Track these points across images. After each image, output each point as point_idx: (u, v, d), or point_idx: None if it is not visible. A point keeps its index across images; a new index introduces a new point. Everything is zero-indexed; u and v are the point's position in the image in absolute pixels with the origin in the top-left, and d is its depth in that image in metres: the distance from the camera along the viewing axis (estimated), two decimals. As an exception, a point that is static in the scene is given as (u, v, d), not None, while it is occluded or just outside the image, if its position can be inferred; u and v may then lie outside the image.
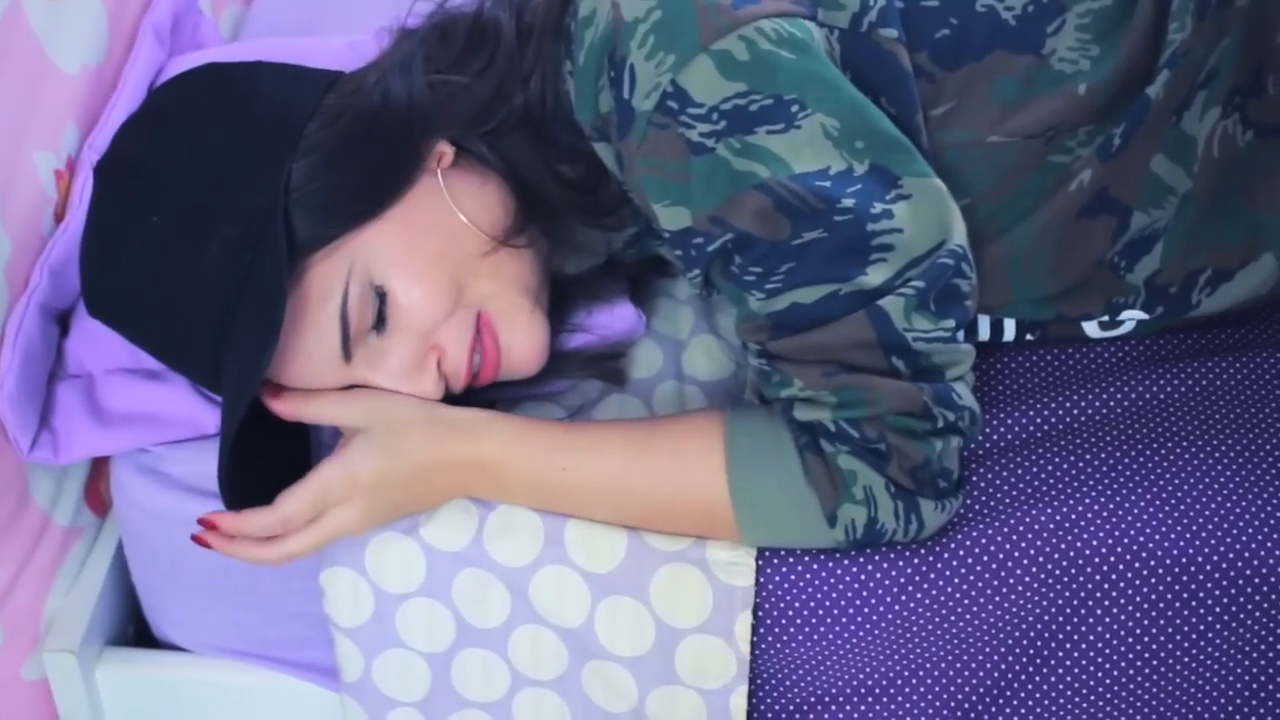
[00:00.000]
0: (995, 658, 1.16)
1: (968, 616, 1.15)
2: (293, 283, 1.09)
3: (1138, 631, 1.15)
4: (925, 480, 1.10)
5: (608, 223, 1.20)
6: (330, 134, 1.11)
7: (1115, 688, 1.16)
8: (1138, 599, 1.14)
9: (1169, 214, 1.14)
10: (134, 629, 1.42)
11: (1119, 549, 1.13)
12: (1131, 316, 1.20)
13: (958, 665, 1.17)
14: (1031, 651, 1.16)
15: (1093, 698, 1.17)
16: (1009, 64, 1.12)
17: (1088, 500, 1.14)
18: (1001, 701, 1.18)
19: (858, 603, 1.16)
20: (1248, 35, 1.11)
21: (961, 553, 1.14)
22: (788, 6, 1.06)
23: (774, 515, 1.13)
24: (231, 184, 1.09)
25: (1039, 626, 1.15)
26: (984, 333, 1.23)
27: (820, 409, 1.10)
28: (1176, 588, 1.13)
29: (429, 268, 1.12)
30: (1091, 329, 1.23)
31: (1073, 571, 1.13)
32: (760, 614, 1.18)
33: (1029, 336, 1.23)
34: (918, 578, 1.14)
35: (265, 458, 1.18)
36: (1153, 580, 1.13)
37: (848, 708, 1.21)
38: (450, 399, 1.19)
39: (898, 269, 1.06)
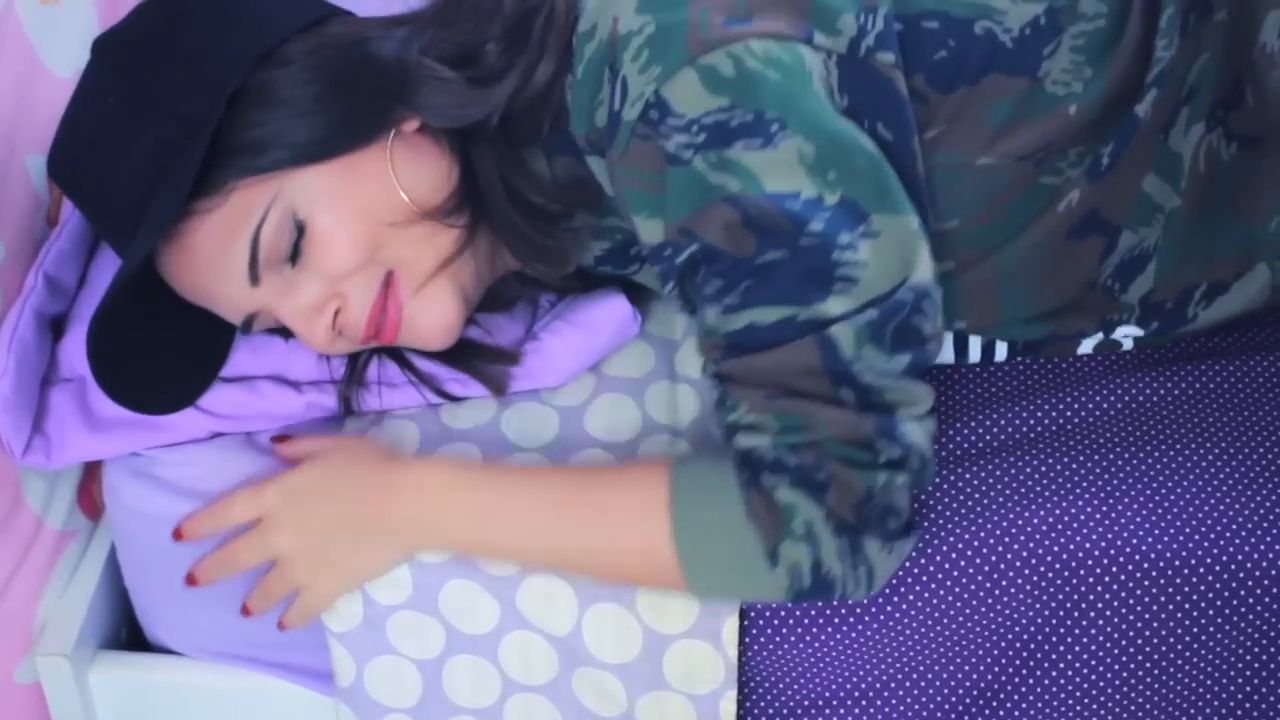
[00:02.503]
0: (988, 660, 1.16)
1: (959, 619, 1.15)
2: (217, 198, 1.11)
3: (1130, 634, 1.15)
4: (870, 516, 1.07)
5: (545, 258, 1.21)
6: (301, 69, 1.12)
7: (1109, 690, 1.16)
8: (1130, 601, 1.14)
9: (1157, 231, 1.14)
10: (127, 632, 1.42)
11: (1111, 551, 1.13)
12: (1127, 333, 1.20)
13: (950, 669, 1.17)
14: (1025, 654, 1.16)
15: (1086, 700, 1.17)
16: (1003, 87, 1.11)
17: (1080, 502, 1.14)
18: (995, 705, 1.18)
19: (846, 606, 1.16)
20: (1226, 49, 1.11)
21: (954, 555, 1.14)
22: (782, 29, 1.05)
23: (716, 552, 1.09)
24: (186, 83, 1.11)
25: (1031, 629, 1.15)
26: (975, 354, 1.23)
27: (761, 435, 1.07)
28: (1170, 589, 1.13)
29: (352, 216, 1.13)
30: (1087, 348, 1.23)
31: (1065, 574, 1.13)
32: (748, 619, 1.18)
33: (1022, 359, 1.24)
34: (909, 579, 1.14)
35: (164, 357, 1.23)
36: (1145, 582, 1.13)
37: (841, 711, 1.21)
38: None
39: (860, 303, 1.05)
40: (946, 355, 1.26)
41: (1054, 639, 1.15)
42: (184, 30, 1.14)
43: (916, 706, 1.19)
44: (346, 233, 1.13)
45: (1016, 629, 1.15)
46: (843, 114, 1.07)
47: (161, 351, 1.23)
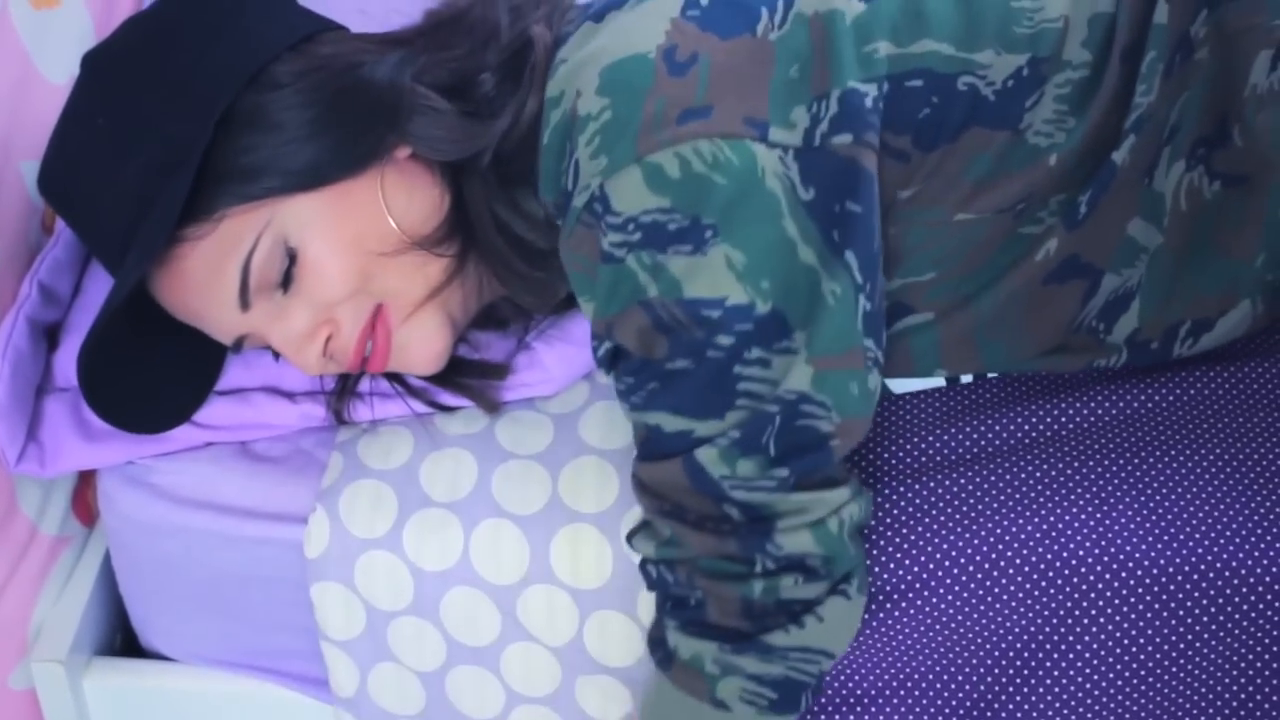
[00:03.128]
0: (983, 668, 1.16)
1: (954, 625, 1.15)
2: (208, 225, 1.11)
3: (1125, 640, 1.14)
4: (764, 616, 1.09)
5: (533, 290, 1.21)
6: (294, 92, 1.11)
7: (1104, 698, 1.16)
8: (1124, 607, 1.14)
9: (1140, 270, 1.14)
10: (121, 638, 1.42)
11: (1105, 557, 1.13)
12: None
13: (945, 676, 1.17)
14: (1019, 661, 1.16)
15: (1081, 709, 1.17)
16: (984, 141, 1.10)
17: (1074, 509, 1.14)
18: (991, 712, 1.18)
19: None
20: (1209, 88, 1.10)
21: (947, 563, 1.14)
22: (735, 128, 1.02)
23: None
24: (175, 103, 1.11)
25: (1025, 636, 1.15)
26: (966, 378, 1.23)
27: (649, 541, 1.12)
28: (1164, 596, 1.13)
29: (343, 246, 1.12)
30: None
31: (1059, 581, 1.13)
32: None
33: None
34: (903, 587, 1.14)
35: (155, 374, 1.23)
36: (1139, 589, 1.13)
37: (836, 718, 1.21)
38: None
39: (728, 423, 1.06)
40: (938, 382, 1.26)
41: (1048, 645, 1.15)
42: (173, 47, 1.13)
43: (911, 715, 1.19)
44: (338, 262, 1.12)
45: (1011, 635, 1.15)
46: (808, 207, 1.04)
47: (153, 369, 1.23)
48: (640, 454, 1.12)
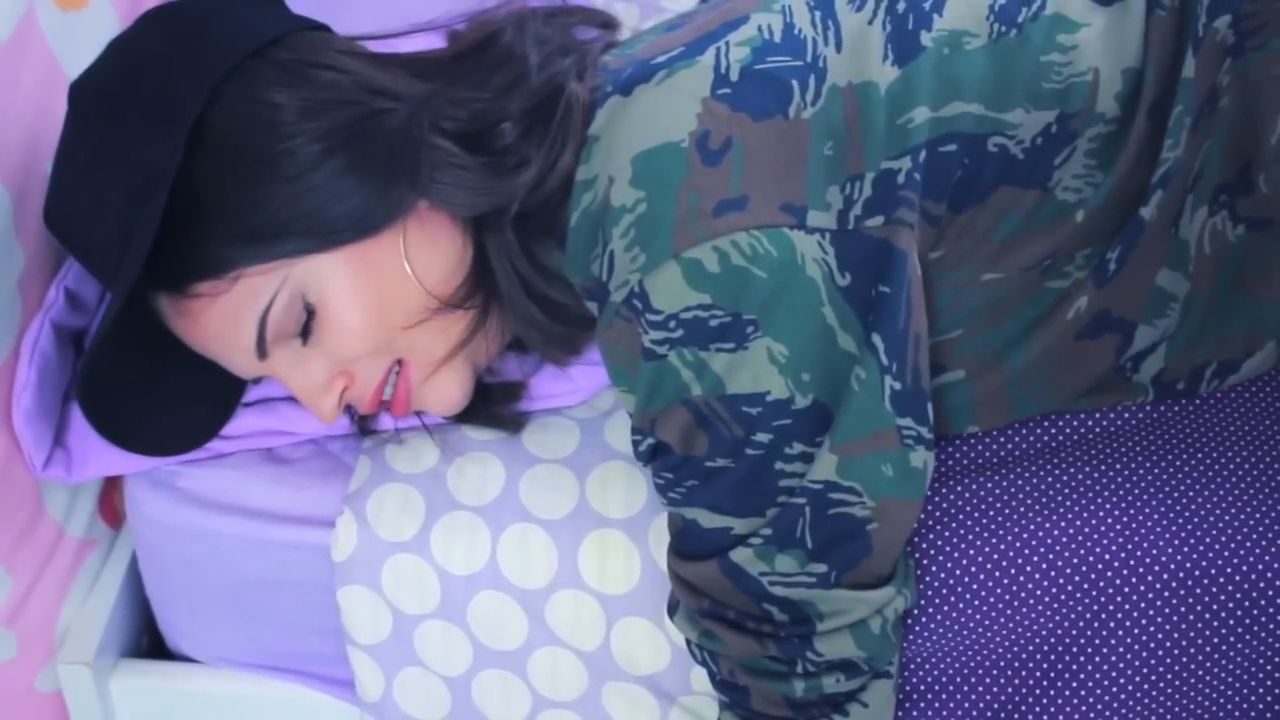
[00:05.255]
0: (1010, 672, 1.16)
1: (981, 629, 1.15)
2: (224, 284, 1.09)
3: (1152, 645, 1.14)
4: (806, 705, 1.10)
5: (556, 344, 1.20)
6: (305, 140, 1.07)
7: (1130, 702, 1.16)
8: (1151, 611, 1.14)
9: (1173, 319, 1.13)
10: (148, 641, 1.43)
11: (1132, 561, 1.12)
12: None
13: (973, 680, 1.17)
14: (1046, 665, 1.16)
15: (1109, 713, 1.17)
16: (1014, 200, 1.09)
17: (1101, 513, 1.14)
18: (1019, 716, 1.18)
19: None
20: (1231, 136, 1.10)
21: (974, 568, 1.14)
22: (773, 217, 1.01)
23: None
24: (147, 130, 1.09)
25: (1053, 640, 1.15)
26: None
27: (692, 629, 1.12)
28: (1191, 600, 1.13)
29: (366, 308, 1.10)
30: None
31: (1085, 586, 1.13)
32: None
33: None
34: (930, 593, 1.14)
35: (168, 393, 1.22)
36: (1166, 593, 1.13)
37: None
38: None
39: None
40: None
41: (1075, 649, 1.15)
42: (143, 69, 1.11)
43: (940, 719, 1.19)
44: (359, 323, 1.11)
45: (1039, 639, 1.15)
46: (845, 292, 1.03)
47: (175, 390, 1.22)
48: (676, 547, 1.11)
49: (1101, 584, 1.13)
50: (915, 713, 1.19)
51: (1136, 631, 1.14)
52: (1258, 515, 1.13)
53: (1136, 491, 1.15)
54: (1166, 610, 1.13)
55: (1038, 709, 1.17)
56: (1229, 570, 1.12)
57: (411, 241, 1.11)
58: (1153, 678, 1.15)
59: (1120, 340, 1.14)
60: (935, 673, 1.17)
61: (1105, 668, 1.16)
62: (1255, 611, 1.13)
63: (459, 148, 1.10)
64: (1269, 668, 1.15)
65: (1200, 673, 1.15)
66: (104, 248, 1.11)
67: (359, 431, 1.28)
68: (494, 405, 1.26)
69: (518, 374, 1.28)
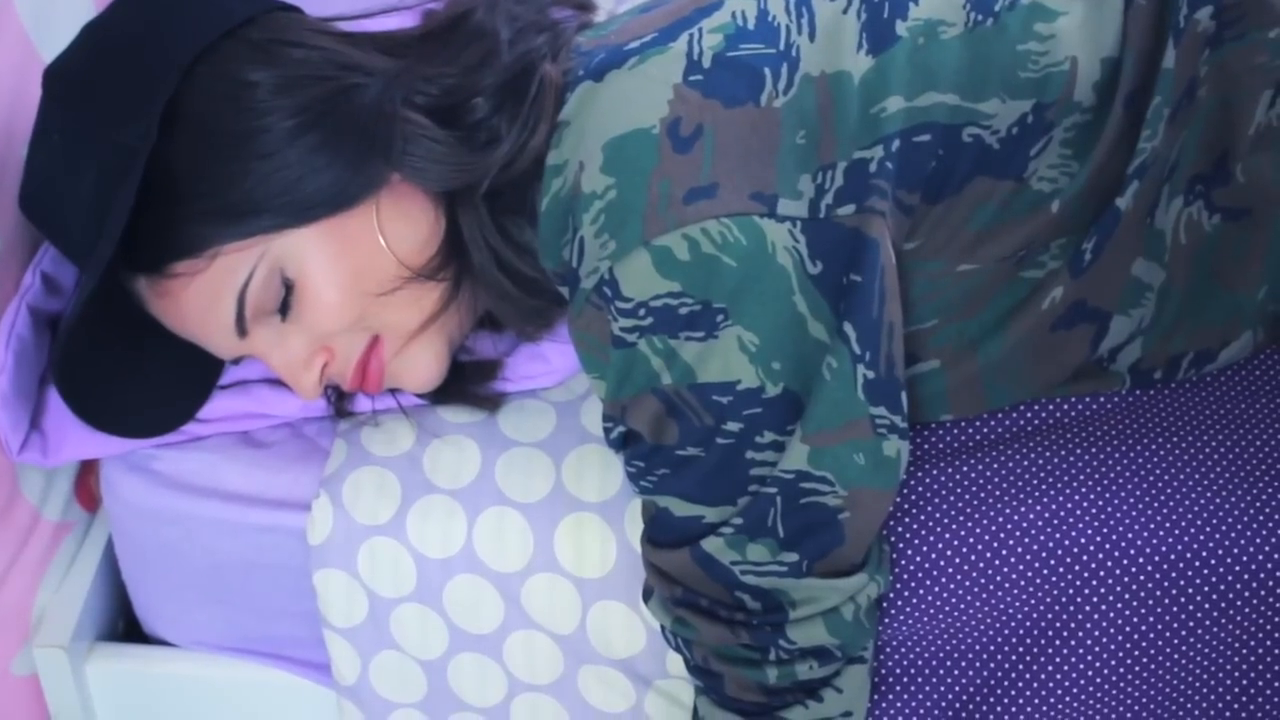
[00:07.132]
0: (985, 655, 1.16)
1: (956, 612, 1.15)
2: (201, 262, 1.09)
3: (1127, 629, 1.15)
4: (780, 692, 1.10)
5: (528, 318, 1.20)
6: (279, 115, 1.08)
7: (1105, 685, 1.16)
8: (1126, 595, 1.14)
9: (1149, 309, 1.13)
10: (124, 624, 1.43)
11: (1107, 545, 1.13)
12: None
13: (948, 664, 1.17)
14: (1021, 649, 1.16)
15: (1083, 695, 1.17)
16: (989, 191, 1.08)
17: (1077, 496, 1.14)
18: (993, 700, 1.18)
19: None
20: (1208, 126, 1.10)
21: (949, 551, 1.14)
22: (743, 205, 1.01)
23: None
24: (121, 111, 1.09)
25: (1028, 623, 1.15)
26: None
27: (666, 615, 1.12)
28: (1166, 584, 1.13)
29: (343, 282, 1.11)
30: None
31: (1060, 570, 1.13)
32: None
33: None
34: (905, 576, 1.14)
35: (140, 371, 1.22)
36: (1141, 577, 1.13)
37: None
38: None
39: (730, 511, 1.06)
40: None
41: (1050, 632, 1.15)
42: (115, 51, 1.11)
43: (914, 703, 1.19)
44: (337, 295, 1.11)
45: (1014, 622, 1.15)
46: (816, 280, 1.03)
47: (152, 372, 1.22)
48: (649, 534, 1.11)
49: (1076, 567, 1.13)
50: (891, 695, 1.19)
51: (1111, 615, 1.14)
52: (1233, 500, 1.13)
53: (1112, 475, 1.15)
54: (1141, 594, 1.14)
55: (1013, 692, 1.18)
56: (1204, 554, 1.12)
57: (385, 215, 1.11)
58: (1127, 660, 1.16)
59: (1096, 330, 1.14)
60: (911, 656, 1.17)
61: (1080, 651, 1.16)
62: (1230, 595, 1.13)
63: (431, 121, 1.10)
64: (1244, 651, 1.15)
65: (1175, 655, 1.15)
66: (79, 230, 1.11)
67: (335, 414, 1.28)
68: (469, 384, 1.26)
69: (492, 353, 1.28)
